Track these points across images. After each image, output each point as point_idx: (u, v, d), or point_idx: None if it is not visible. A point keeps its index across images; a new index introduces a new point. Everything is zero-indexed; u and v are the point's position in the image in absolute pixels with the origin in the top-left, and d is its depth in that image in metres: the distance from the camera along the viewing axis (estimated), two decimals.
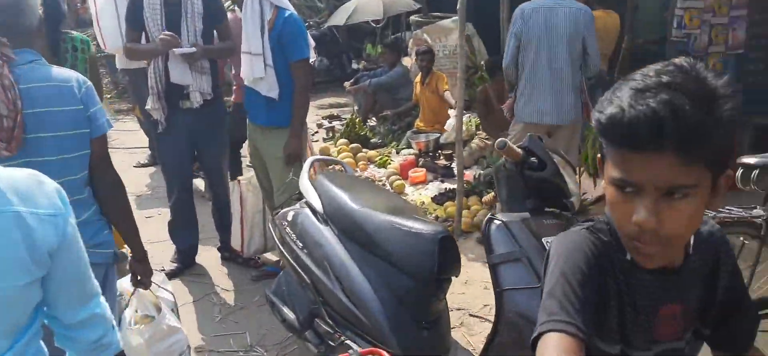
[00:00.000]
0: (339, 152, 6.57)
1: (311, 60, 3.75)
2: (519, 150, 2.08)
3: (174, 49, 3.64)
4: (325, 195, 2.84)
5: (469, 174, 5.64)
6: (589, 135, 5.10)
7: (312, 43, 3.79)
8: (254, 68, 3.56)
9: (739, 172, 2.81)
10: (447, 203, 5.21)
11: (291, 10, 3.62)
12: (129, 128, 7.97)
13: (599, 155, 1.14)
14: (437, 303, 2.54)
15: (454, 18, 8.04)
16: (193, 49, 3.69)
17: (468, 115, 6.86)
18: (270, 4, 3.54)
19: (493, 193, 4.90)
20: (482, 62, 8.07)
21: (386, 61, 7.77)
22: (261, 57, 3.55)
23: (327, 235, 2.72)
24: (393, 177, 5.90)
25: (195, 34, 3.77)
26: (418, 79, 7.06)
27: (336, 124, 8.22)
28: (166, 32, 3.65)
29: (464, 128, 6.53)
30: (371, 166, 6.45)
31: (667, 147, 0.95)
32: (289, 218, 2.96)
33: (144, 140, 6.74)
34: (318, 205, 2.83)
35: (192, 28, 3.76)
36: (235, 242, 4.22)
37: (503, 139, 2.06)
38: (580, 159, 4.96)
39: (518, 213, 2.16)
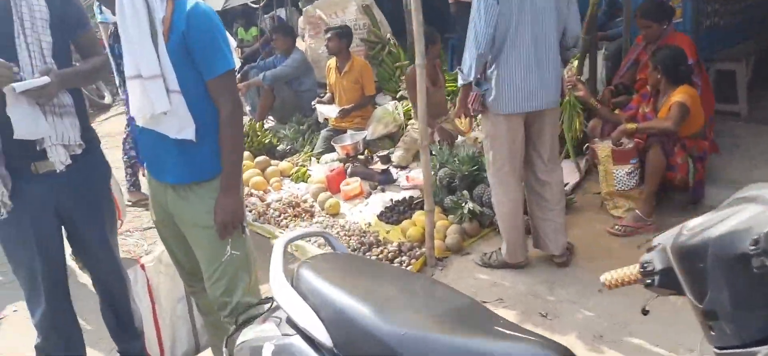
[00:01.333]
0: (244, 170, 5.24)
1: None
2: None
3: (12, 85, 2.24)
4: (329, 311, 1.67)
5: (418, 179, 4.59)
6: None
7: (233, 42, 2.51)
8: (154, 99, 2.25)
9: None
10: (404, 223, 4.14)
11: None
12: None
13: None
14: None
15: None
16: (46, 79, 2.29)
17: (394, 102, 5.81)
18: None
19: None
20: (388, 36, 7.06)
21: (279, 47, 6.47)
22: (160, 80, 2.25)
23: None
24: (322, 196, 4.72)
25: (42, 54, 2.39)
26: (331, 64, 5.86)
27: None
28: None
29: (391, 119, 5.52)
30: (286, 181, 5.22)
31: None
32: None
33: None
34: (319, 332, 1.66)
35: (36, 45, 2.37)
36: (152, 349, 2.90)
37: None
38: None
39: None
